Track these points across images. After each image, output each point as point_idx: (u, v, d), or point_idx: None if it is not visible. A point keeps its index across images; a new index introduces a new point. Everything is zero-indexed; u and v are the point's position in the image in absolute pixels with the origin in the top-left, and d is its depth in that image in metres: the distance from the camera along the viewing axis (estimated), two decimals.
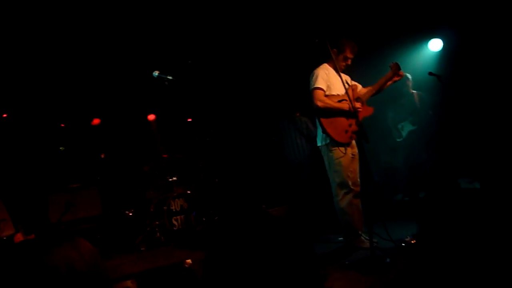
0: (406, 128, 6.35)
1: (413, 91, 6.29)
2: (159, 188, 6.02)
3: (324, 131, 3.95)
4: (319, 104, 3.92)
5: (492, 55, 5.62)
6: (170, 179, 5.94)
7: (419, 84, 6.27)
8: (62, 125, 6.06)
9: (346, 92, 3.79)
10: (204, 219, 5.78)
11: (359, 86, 4.20)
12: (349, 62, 4.08)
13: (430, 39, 6.33)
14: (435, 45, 6.28)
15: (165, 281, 3.23)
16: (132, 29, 5.49)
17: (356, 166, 4.10)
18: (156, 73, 3.96)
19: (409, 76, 6.14)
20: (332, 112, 3.95)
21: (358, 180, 4.09)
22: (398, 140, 6.50)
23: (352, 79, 4.23)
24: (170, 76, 3.86)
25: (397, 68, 4.07)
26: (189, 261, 3.46)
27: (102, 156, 5.97)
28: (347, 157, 4.00)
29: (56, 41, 5.35)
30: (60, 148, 5.85)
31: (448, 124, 6.26)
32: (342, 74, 4.00)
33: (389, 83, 4.13)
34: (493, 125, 5.71)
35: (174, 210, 5.67)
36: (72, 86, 6.03)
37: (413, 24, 6.24)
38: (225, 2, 5.48)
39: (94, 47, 5.59)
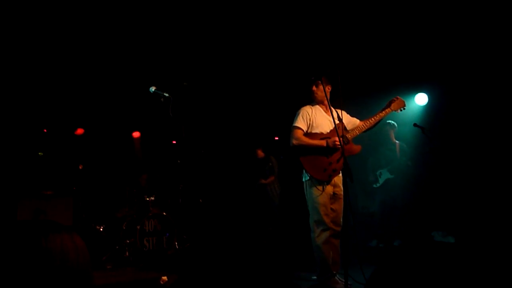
0: (384, 176, 6.46)
1: (396, 141, 6.46)
2: (134, 206, 5.90)
3: (303, 168, 4.01)
4: (294, 142, 4.01)
5: (475, 114, 5.86)
6: (148, 198, 5.83)
7: (402, 135, 6.46)
8: (45, 130, 5.92)
9: (335, 129, 3.80)
10: (176, 243, 5.66)
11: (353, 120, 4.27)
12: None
13: (416, 93, 6.58)
14: (421, 99, 6.52)
15: None
16: (134, 45, 5.54)
17: (338, 205, 4.08)
18: (153, 89, 3.94)
19: (395, 124, 6.31)
20: (308, 150, 3.99)
21: (341, 220, 4.07)
22: (374, 186, 6.59)
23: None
24: (166, 93, 3.84)
25: (401, 103, 4.19)
26: (165, 278, 3.36)
27: (80, 167, 5.83)
28: (324, 195, 3.99)
29: (54, 47, 5.33)
30: (39, 153, 5.68)
31: (426, 176, 6.42)
32: (336, 110, 4.01)
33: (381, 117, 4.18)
34: (472, 182, 5.87)
35: (147, 231, 5.53)
36: (61, 92, 5.96)
37: (401, 77, 6.49)
38: (229, 31, 5.61)
39: (91, 58, 5.59)
